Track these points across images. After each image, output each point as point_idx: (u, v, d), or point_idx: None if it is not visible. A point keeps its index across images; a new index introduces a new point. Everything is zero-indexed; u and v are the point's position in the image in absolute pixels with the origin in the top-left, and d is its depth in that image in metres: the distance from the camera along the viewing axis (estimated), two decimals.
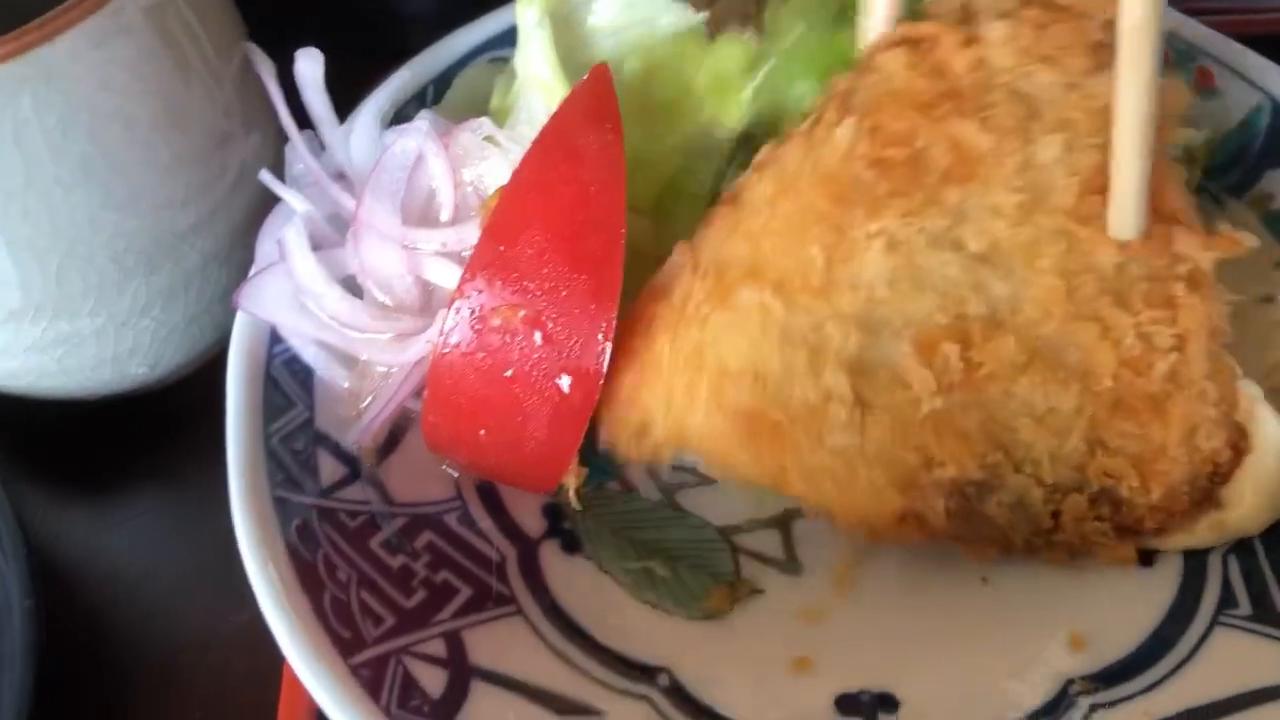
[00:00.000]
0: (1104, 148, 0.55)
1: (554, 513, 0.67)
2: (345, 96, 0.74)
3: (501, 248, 0.59)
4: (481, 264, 0.59)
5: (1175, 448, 0.58)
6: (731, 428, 0.58)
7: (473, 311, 0.59)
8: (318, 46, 0.72)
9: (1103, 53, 0.56)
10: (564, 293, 0.59)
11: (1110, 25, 0.54)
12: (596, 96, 0.62)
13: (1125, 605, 0.63)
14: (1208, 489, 0.59)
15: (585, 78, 0.63)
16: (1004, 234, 0.57)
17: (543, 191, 0.60)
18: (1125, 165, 0.55)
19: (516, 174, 0.60)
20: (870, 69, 0.59)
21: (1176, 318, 0.57)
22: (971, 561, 0.63)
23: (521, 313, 0.59)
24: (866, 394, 0.58)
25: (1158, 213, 0.57)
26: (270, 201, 0.71)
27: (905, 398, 0.58)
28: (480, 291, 0.59)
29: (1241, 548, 0.64)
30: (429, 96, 0.78)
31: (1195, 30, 0.79)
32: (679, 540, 0.67)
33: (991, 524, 0.60)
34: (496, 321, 0.59)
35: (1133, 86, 0.53)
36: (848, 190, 0.57)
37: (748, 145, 0.69)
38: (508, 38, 0.75)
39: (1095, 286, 0.57)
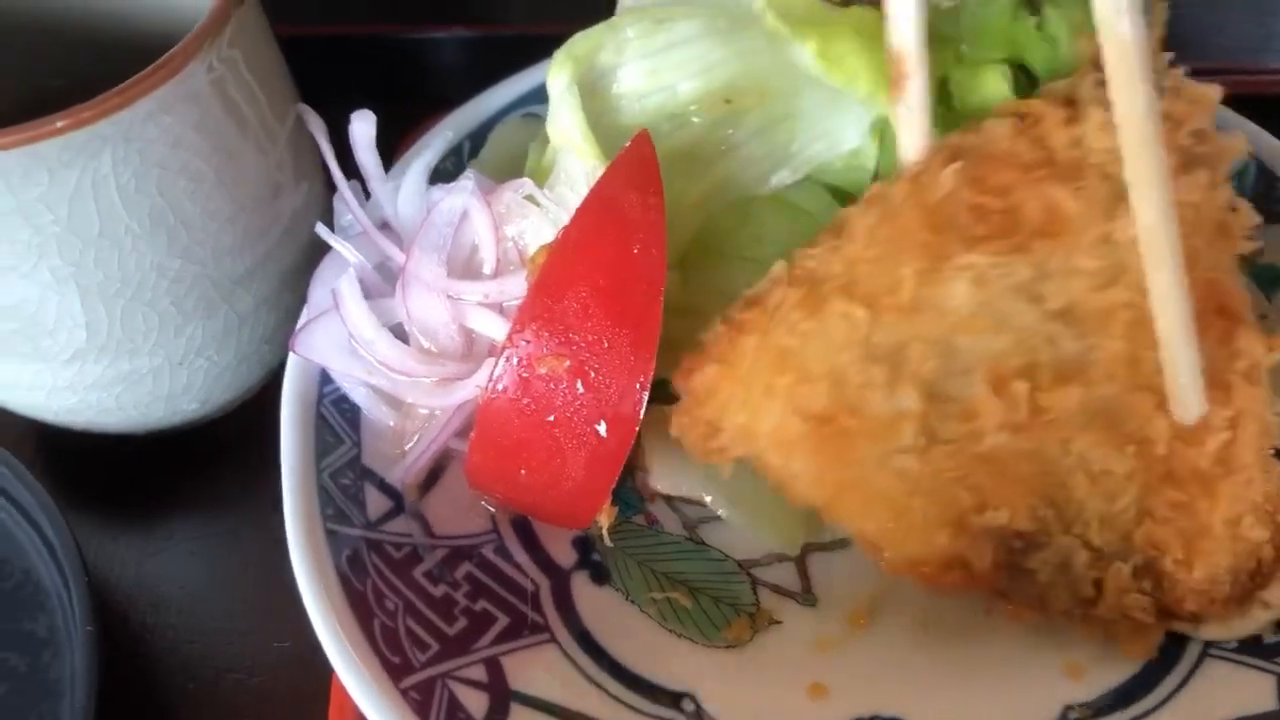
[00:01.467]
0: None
1: (584, 545, 0.72)
2: (385, 152, 0.79)
3: (549, 302, 0.64)
4: (530, 316, 0.64)
5: (1220, 527, 0.61)
6: (802, 433, 0.61)
7: (521, 360, 0.64)
8: (360, 105, 0.77)
9: (1185, 156, 0.61)
10: (606, 345, 0.63)
11: (1199, 135, 0.60)
12: (639, 162, 0.67)
13: None
14: (1249, 585, 0.63)
15: (629, 143, 0.67)
16: (1081, 296, 0.61)
17: (589, 250, 0.64)
18: (1176, 357, 0.59)
19: (565, 233, 0.65)
20: (978, 131, 0.63)
21: (1231, 399, 0.61)
22: (1010, 619, 0.66)
23: (566, 363, 0.63)
24: (933, 421, 0.61)
25: (1219, 310, 0.61)
26: (316, 249, 0.75)
27: (969, 430, 0.61)
28: (528, 342, 0.63)
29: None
30: (465, 151, 0.83)
31: None
32: (701, 572, 0.72)
33: (1034, 583, 0.64)
34: (543, 370, 0.63)
35: (1161, 284, 0.58)
36: (945, 225, 0.61)
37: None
38: (539, 94, 0.80)
39: (1157, 362, 0.60)
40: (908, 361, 0.61)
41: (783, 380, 0.62)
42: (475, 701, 0.62)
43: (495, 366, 0.64)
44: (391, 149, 0.81)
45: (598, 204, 0.66)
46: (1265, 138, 0.81)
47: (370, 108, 0.76)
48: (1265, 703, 0.63)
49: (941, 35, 0.68)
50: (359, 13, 1.09)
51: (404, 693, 0.60)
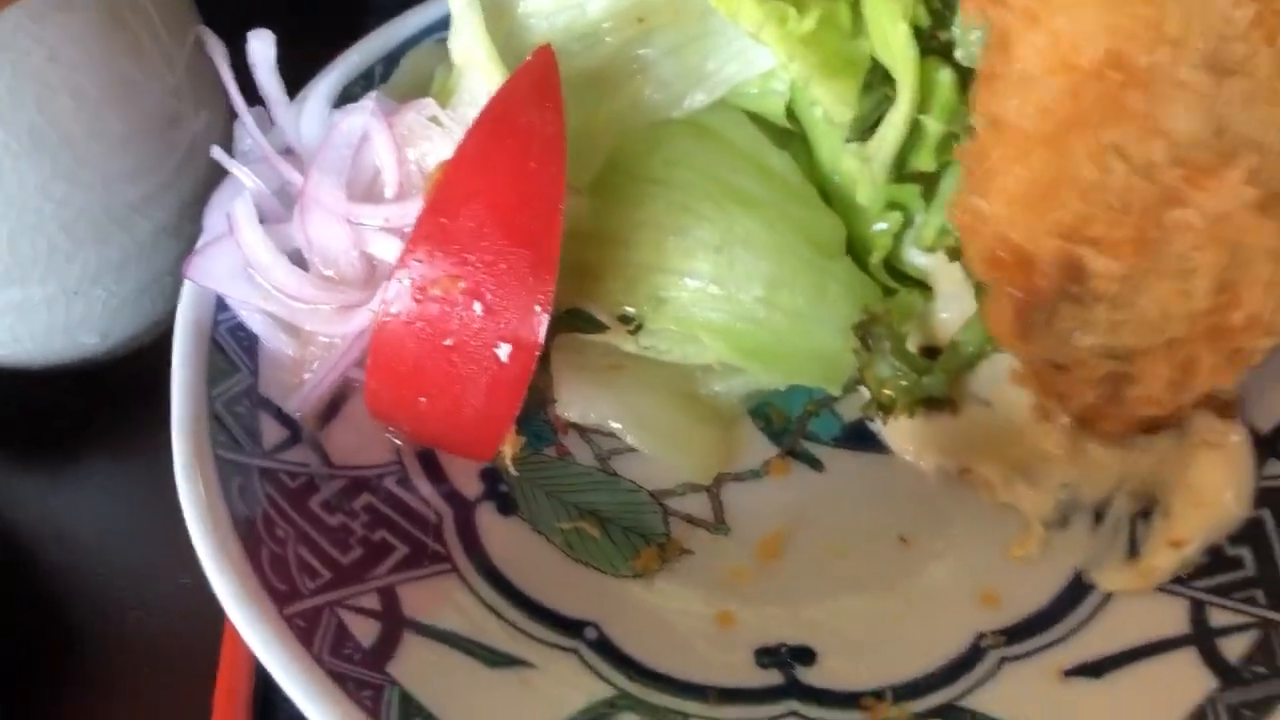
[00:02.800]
0: None
1: (491, 476, 0.70)
2: (295, 78, 0.76)
3: (443, 221, 0.62)
4: (423, 236, 0.62)
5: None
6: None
7: (414, 282, 0.62)
8: (272, 30, 0.74)
9: None
10: (503, 266, 0.61)
11: None
12: (539, 76, 0.65)
13: (1037, 564, 0.67)
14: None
15: (529, 58, 0.65)
16: None
17: (484, 167, 0.62)
18: None
19: (459, 150, 0.63)
20: None
21: None
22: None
23: (461, 284, 0.61)
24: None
25: None
26: (220, 177, 0.73)
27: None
28: (421, 262, 0.61)
29: (1144, 513, 0.67)
30: (376, 76, 0.80)
31: None
32: (611, 503, 0.70)
33: (1062, 345, 0.62)
34: (437, 292, 0.61)
35: None
36: None
37: None
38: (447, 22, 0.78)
39: None
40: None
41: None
42: (364, 629, 0.60)
43: (388, 289, 0.62)
44: (305, 77, 0.79)
45: (494, 118, 0.63)
46: None
47: (280, 38, 0.73)
48: (1178, 627, 0.62)
49: None
50: None
51: (288, 619, 0.58)
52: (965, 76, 0.67)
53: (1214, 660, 0.60)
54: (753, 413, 0.75)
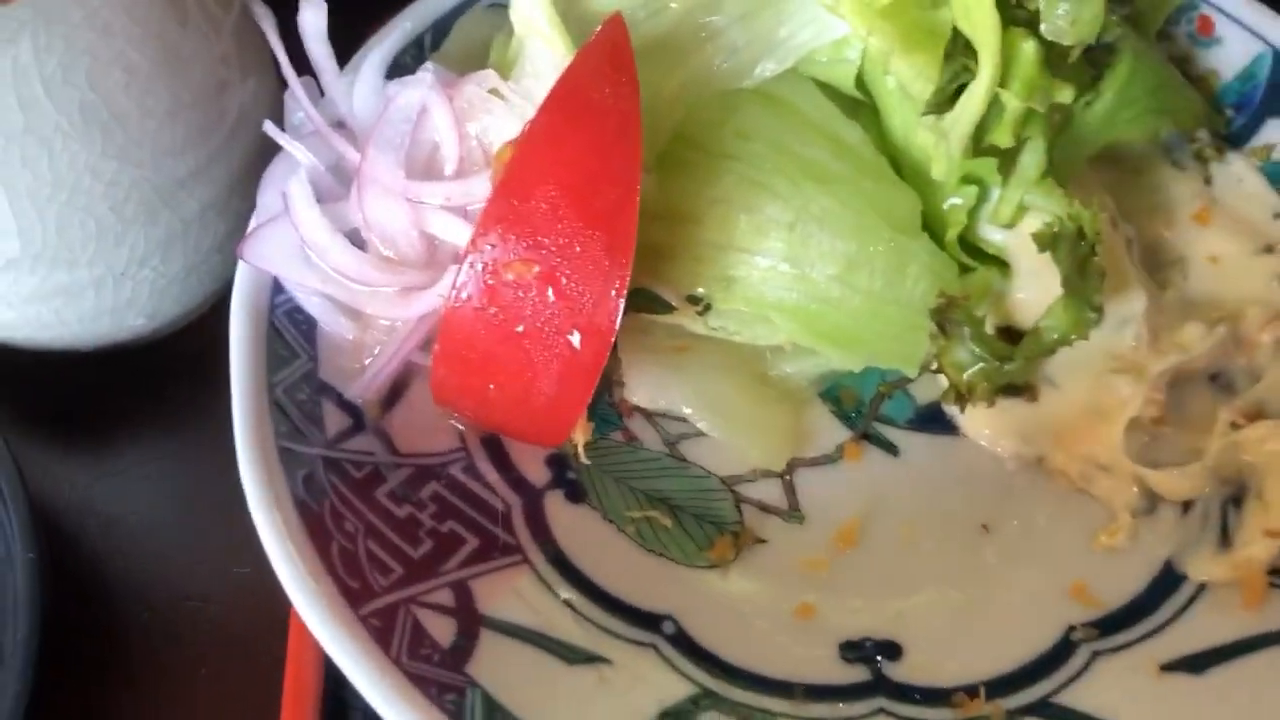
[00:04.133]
0: None
1: (558, 463, 0.68)
2: (343, 47, 0.73)
3: (515, 202, 0.59)
4: (495, 219, 0.59)
5: None
6: None
7: (485, 266, 0.59)
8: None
9: None
10: (578, 249, 0.59)
11: None
12: (612, 49, 0.62)
13: (1126, 554, 0.65)
14: None
15: (600, 28, 0.62)
16: None
17: (557, 146, 0.59)
18: None
19: (530, 128, 0.60)
20: None
21: None
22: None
23: (535, 268, 0.59)
24: None
25: None
26: (268, 150, 0.70)
27: None
28: (493, 246, 0.59)
29: (1235, 499, 0.65)
30: (427, 45, 0.77)
31: None
32: (682, 490, 0.68)
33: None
34: (509, 276, 0.59)
35: None
36: None
37: None
38: None
39: None
40: None
41: None
42: (441, 628, 0.58)
43: (458, 273, 0.59)
44: (351, 46, 0.76)
45: (566, 95, 0.60)
46: None
47: (332, 4, 0.70)
48: (1276, 621, 0.60)
49: None
50: None
51: (363, 620, 0.56)
52: (1049, 50, 0.64)
53: None
54: (823, 395, 0.72)
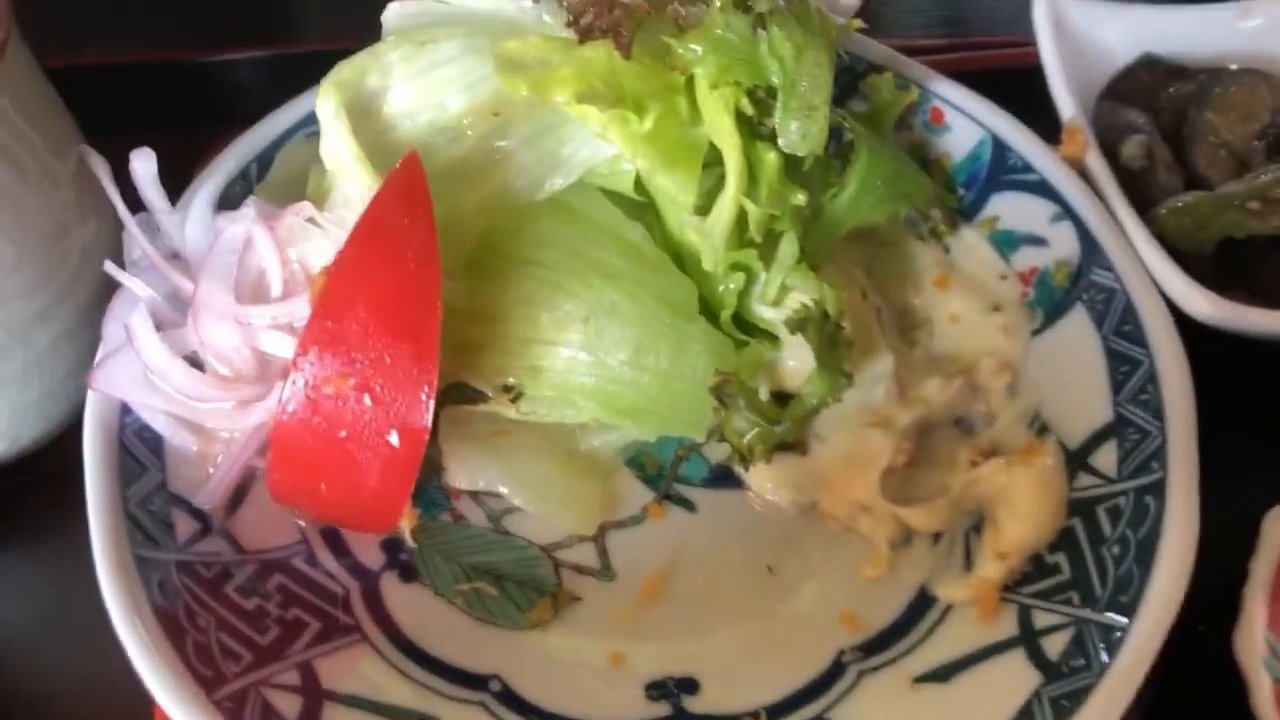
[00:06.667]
0: None
1: (392, 546, 0.76)
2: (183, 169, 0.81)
3: (329, 324, 0.67)
4: (312, 339, 0.67)
5: None
6: None
7: (307, 382, 0.67)
8: (154, 129, 0.79)
9: None
10: (389, 360, 0.67)
11: None
12: (408, 182, 0.71)
13: (887, 582, 0.75)
14: None
15: (398, 165, 0.71)
16: None
17: (363, 273, 0.68)
18: None
19: (340, 257, 0.69)
20: None
21: None
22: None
23: (351, 380, 0.67)
24: None
25: None
26: (113, 281, 0.77)
27: None
28: (313, 364, 0.67)
29: (976, 528, 0.77)
30: (253, 174, 0.85)
31: (925, 74, 0.91)
32: (506, 560, 0.77)
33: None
34: (329, 390, 0.67)
35: None
36: None
37: None
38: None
39: None
40: None
41: None
42: (288, 704, 0.66)
43: (283, 390, 0.68)
44: (190, 168, 0.84)
45: (369, 226, 0.69)
46: (999, 116, 0.88)
47: (168, 130, 0.78)
48: (1009, 630, 0.71)
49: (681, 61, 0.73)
50: (154, 37, 1.10)
51: (217, 704, 0.64)
52: (788, 158, 0.75)
53: (1038, 658, 0.69)
54: (629, 462, 0.82)
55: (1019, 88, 0.93)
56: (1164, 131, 0.92)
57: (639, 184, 0.81)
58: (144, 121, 0.85)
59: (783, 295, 0.80)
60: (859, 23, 0.80)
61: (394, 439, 0.68)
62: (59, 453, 0.82)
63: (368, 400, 0.68)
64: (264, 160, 0.86)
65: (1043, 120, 0.91)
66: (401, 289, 0.69)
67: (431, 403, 0.68)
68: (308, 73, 0.85)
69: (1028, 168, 0.86)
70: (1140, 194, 0.87)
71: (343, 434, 0.68)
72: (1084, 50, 0.95)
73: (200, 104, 1.01)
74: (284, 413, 0.68)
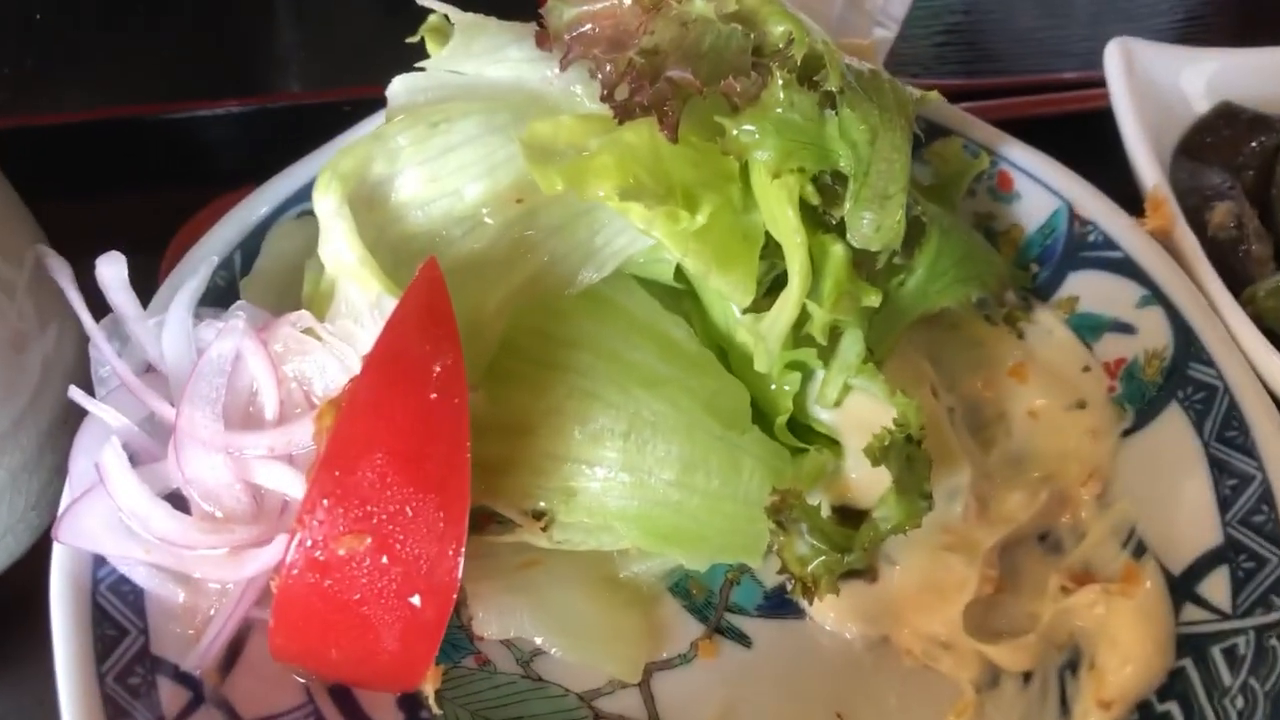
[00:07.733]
0: None
1: (411, 703, 0.66)
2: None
3: (340, 474, 0.57)
4: (321, 492, 0.57)
5: None
6: None
7: (315, 542, 0.57)
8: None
9: None
10: (410, 513, 0.58)
11: None
12: (428, 298, 0.61)
13: None
14: None
15: (416, 276, 0.61)
16: None
17: (380, 411, 0.58)
18: None
19: (352, 394, 0.59)
20: None
21: None
22: None
23: (367, 539, 0.57)
24: None
25: None
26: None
27: None
28: (321, 521, 0.57)
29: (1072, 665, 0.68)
30: (238, 263, 0.75)
31: (993, 135, 0.82)
32: (540, 713, 0.68)
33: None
34: (341, 551, 0.57)
35: None
36: None
37: None
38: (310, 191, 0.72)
39: None
40: None
41: None
42: None
43: (288, 549, 0.58)
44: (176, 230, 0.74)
45: (385, 356, 0.59)
46: (1074, 181, 0.79)
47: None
48: None
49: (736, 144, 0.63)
50: (135, 93, 0.98)
51: None
52: (858, 251, 0.66)
53: None
54: (673, 588, 0.73)
55: (1071, 131, 0.85)
56: (1248, 191, 0.83)
57: (679, 271, 0.72)
58: (105, 187, 0.74)
59: (844, 395, 0.71)
60: (937, 95, 0.71)
61: (416, 600, 0.59)
62: (20, 581, 0.72)
63: (386, 559, 0.58)
64: (249, 249, 0.75)
65: (1109, 172, 0.82)
66: (424, 429, 0.59)
67: (460, 559, 0.59)
68: (293, 128, 0.75)
69: (1110, 243, 0.77)
70: (1229, 268, 0.78)
71: (357, 597, 0.59)
72: (1157, 99, 0.86)
73: (170, 166, 0.90)
74: (289, 576, 0.58)
